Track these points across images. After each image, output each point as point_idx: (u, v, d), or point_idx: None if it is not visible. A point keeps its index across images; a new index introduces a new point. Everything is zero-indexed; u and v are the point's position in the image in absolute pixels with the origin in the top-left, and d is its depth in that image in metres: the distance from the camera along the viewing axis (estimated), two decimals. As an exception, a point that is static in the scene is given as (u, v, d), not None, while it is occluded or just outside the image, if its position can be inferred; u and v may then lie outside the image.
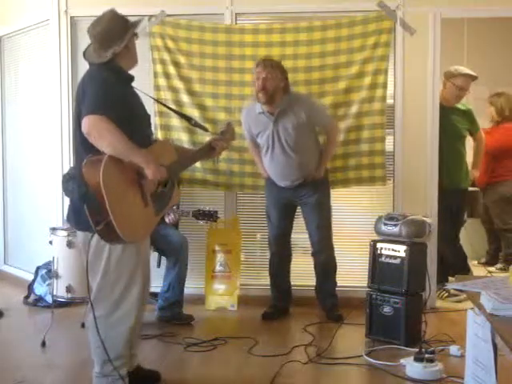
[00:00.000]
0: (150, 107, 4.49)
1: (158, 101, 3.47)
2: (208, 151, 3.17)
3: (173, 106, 4.55)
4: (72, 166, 2.81)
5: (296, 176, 4.11)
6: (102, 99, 2.58)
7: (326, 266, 4.25)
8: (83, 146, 2.64)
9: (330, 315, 4.23)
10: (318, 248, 4.22)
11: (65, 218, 4.03)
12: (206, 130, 3.48)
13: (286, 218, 4.28)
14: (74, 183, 2.69)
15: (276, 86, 3.97)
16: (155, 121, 4.52)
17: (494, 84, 6.12)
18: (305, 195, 4.16)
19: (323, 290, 4.30)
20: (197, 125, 3.33)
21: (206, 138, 4.49)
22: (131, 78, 2.86)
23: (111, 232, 2.51)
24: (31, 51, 5.21)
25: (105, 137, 2.51)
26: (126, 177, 2.59)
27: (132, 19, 2.87)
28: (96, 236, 2.62)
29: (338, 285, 4.34)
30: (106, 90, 2.63)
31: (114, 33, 2.74)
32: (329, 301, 4.28)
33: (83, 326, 4.06)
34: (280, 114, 4.03)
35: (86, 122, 2.52)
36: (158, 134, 4.57)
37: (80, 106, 2.66)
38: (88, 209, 2.53)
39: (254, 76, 4.04)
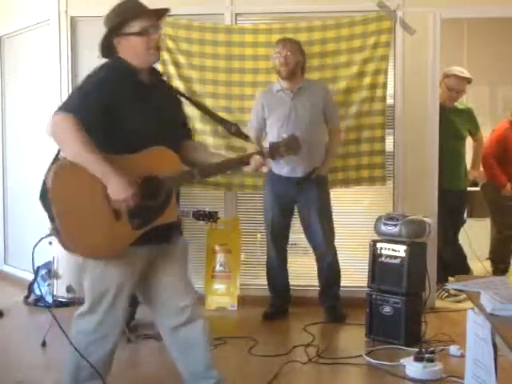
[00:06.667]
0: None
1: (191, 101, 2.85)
2: (240, 163, 2.53)
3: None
4: None
5: (306, 160, 4.01)
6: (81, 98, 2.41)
7: (331, 270, 4.23)
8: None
9: (333, 315, 4.21)
10: (324, 253, 4.20)
11: None
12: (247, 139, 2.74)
13: (285, 218, 4.27)
14: None
15: (297, 61, 4.06)
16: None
17: (494, 84, 6.13)
18: (307, 195, 4.13)
19: (328, 293, 4.26)
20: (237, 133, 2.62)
21: (207, 138, 4.55)
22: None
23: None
24: (31, 51, 5.21)
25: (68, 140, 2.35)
26: (91, 186, 2.28)
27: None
28: None
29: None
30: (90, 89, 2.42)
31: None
32: (331, 302, 4.26)
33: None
34: (299, 92, 4.10)
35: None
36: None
37: None
38: (44, 206, 2.40)
39: (274, 55, 4.09)
